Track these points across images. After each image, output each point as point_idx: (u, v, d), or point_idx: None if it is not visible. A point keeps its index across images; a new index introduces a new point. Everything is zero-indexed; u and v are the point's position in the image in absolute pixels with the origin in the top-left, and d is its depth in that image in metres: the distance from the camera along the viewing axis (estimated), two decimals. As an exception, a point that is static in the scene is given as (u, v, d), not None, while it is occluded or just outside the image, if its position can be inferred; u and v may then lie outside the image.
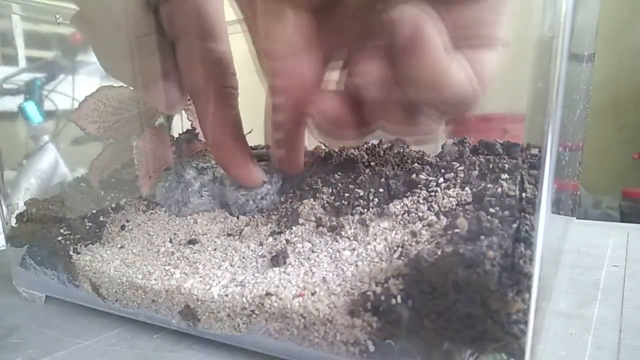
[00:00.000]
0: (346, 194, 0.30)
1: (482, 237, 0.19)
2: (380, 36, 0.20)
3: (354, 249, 0.25)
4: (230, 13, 0.30)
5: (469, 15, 0.20)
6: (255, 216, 0.32)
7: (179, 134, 0.40)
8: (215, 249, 0.29)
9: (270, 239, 0.29)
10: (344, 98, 0.23)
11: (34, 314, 0.33)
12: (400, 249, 0.24)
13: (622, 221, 1.13)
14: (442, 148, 0.33)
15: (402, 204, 0.27)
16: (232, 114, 0.30)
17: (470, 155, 0.31)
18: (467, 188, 0.27)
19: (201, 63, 0.29)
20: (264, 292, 0.23)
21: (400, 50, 0.19)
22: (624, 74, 1.43)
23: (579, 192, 0.44)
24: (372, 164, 0.32)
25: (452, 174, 0.28)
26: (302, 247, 0.27)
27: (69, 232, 0.34)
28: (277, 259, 0.26)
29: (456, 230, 0.21)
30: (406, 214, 0.27)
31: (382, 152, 0.33)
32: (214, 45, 0.29)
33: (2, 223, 0.38)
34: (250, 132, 0.41)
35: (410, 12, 0.18)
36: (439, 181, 0.28)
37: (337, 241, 0.26)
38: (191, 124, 0.39)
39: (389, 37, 0.19)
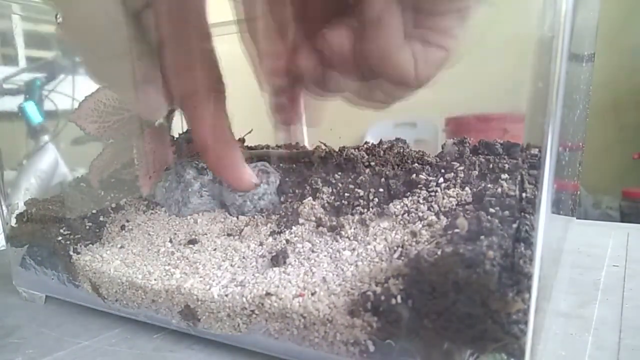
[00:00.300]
0: (346, 194, 0.30)
1: (482, 237, 0.19)
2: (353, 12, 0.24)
3: (354, 249, 0.25)
4: (224, 14, 0.30)
5: (437, 19, 0.23)
6: (255, 216, 0.32)
7: (179, 134, 0.40)
8: (215, 249, 0.29)
9: (270, 239, 0.29)
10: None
11: (34, 314, 0.33)
12: (400, 249, 0.24)
13: (622, 221, 1.13)
14: (442, 148, 0.33)
15: (402, 204, 0.27)
16: (221, 117, 0.30)
17: (470, 155, 0.31)
18: (467, 188, 0.27)
19: (187, 67, 0.29)
20: (264, 292, 0.23)
21: (367, 26, 0.23)
22: (624, 74, 1.43)
23: (579, 192, 0.44)
24: (372, 164, 0.32)
25: (452, 174, 0.28)
26: (302, 247, 0.27)
27: (69, 232, 0.34)
28: (277, 259, 0.26)
29: (456, 230, 0.21)
30: (406, 214, 0.27)
31: (382, 152, 0.33)
32: (199, 49, 0.29)
33: (2, 223, 0.38)
34: (250, 132, 0.41)
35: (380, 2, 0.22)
36: (439, 181, 0.28)
37: (337, 241, 0.26)
38: (191, 124, 0.39)
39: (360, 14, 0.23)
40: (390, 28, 0.23)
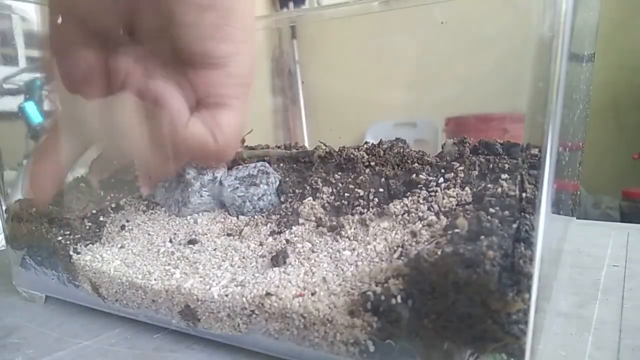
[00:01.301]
0: (346, 194, 0.30)
1: (482, 237, 0.19)
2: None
3: (354, 249, 0.25)
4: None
5: (205, 79, 0.23)
6: (255, 216, 0.32)
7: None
8: (215, 249, 0.29)
9: (270, 238, 0.29)
10: None
11: (34, 314, 0.33)
12: (400, 249, 0.24)
13: (622, 221, 1.13)
14: (442, 148, 0.33)
15: (402, 204, 0.27)
16: None
17: (470, 155, 0.31)
18: (467, 188, 0.27)
19: None
20: (264, 292, 0.23)
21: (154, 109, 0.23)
22: (624, 74, 1.43)
23: (579, 192, 0.44)
24: (372, 164, 0.32)
25: (452, 174, 0.28)
26: (302, 247, 0.27)
27: (69, 232, 0.34)
28: (277, 259, 0.26)
29: (456, 230, 0.21)
30: (406, 214, 0.27)
31: (382, 152, 0.33)
32: None
33: (2, 223, 0.38)
34: (250, 132, 0.41)
35: (153, 85, 0.23)
36: (439, 181, 0.28)
37: (337, 241, 0.26)
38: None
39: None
40: (167, 107, 0.22)
